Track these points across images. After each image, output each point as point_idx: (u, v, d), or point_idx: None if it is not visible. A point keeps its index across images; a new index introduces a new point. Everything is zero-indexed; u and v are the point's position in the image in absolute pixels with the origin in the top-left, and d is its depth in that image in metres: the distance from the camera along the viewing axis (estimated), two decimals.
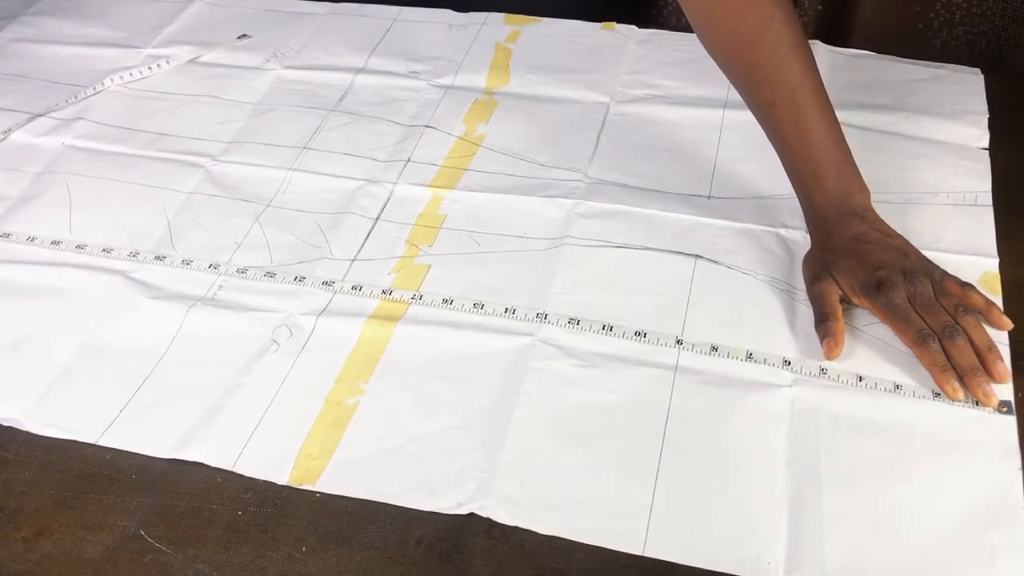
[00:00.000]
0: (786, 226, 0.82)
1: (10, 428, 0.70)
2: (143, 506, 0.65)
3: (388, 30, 1.09)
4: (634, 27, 1.06)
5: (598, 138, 0.92)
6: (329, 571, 0.61)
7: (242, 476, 0.66)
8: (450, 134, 0.94)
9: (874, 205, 0.77)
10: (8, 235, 0.85)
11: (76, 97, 1.01)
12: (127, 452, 0.68)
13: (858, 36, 1.12)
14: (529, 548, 0.61)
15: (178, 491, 0.66)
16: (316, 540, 0.62)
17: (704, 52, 1.00)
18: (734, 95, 0.94)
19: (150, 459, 0.67)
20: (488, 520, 0.63)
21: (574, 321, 0.74)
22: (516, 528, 0.62)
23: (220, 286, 0.79)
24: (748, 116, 0.92)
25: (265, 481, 0.66)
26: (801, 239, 0.81)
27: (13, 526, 0.64)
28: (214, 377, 0.72)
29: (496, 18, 1.09)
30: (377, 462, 0.67)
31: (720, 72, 0.97)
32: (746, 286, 0.77)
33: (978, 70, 0.97)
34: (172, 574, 0.61)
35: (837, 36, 1.09)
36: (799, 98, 0.76)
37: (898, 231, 0.76)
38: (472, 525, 0.63)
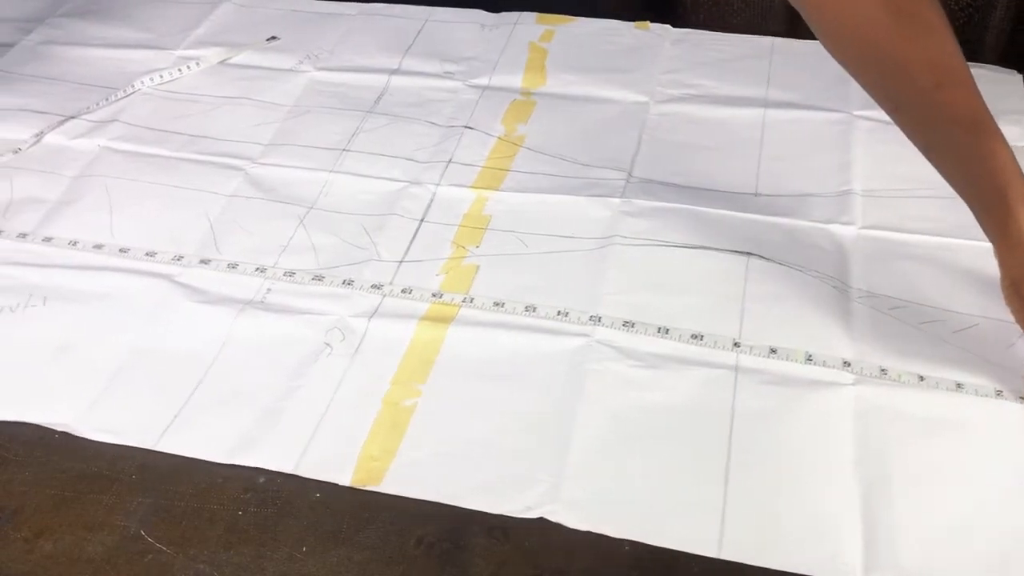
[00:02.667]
0: (835, 222, 0.82)
1: (10, 428, 0.69)
2: (143, 506, 0.64)
3: (420, 31, 1.08)
4: (668, 26, 1.06)
5: (640, 138, 0.91)
6: (329, 571, 0.61)
7: (242, 476, 0.66)
8: (490, 135, 0.93)
9: (926, 200, 0.76)
10: (49, 239, 0.84)
11: (108, 99, 1.00)
12: (127, 452, 0.68)
13: None
14: (529, 548, 0.61)
15: (178, 491, 0.65)
16: (316, 540, 0.62)
17: (740, 51, 1.00)
18: (773, 94, 0.94)
19: (150, 459, 0.67)
20: (488, 520, 0.63)
21: (629, 324, 0.73)
22: (516, 528, 0.62)
23: (268, 289, 0.79)
24: (790, 115, 0.92)
25: (265, 481, 0.66)
26: (852, 234, 0.80)
27: (13, 526, 0.64)
28: (268, 380, 0.72)
29: (528, 18, 1.09)
30: (439, 463, 0.66)
31: (756, 71, 0.97)
32: (800, 284, 0.77)
33: (1015, 71, 0.96)
34: (172, 574, 0.61)
35: None
36: (966, 79, 0.65)
37: (949, 225, 0.75)
38: (472, 525, 0.62)
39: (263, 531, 0.63)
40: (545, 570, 0.60)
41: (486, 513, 0.63)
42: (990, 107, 0.84)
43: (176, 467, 0.66)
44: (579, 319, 0.74)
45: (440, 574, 0.60)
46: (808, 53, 1.01)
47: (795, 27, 1.04)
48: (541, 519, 0.62)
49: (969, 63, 0.87)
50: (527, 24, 1.08)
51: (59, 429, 0.70)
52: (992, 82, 0.96)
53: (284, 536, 0.62)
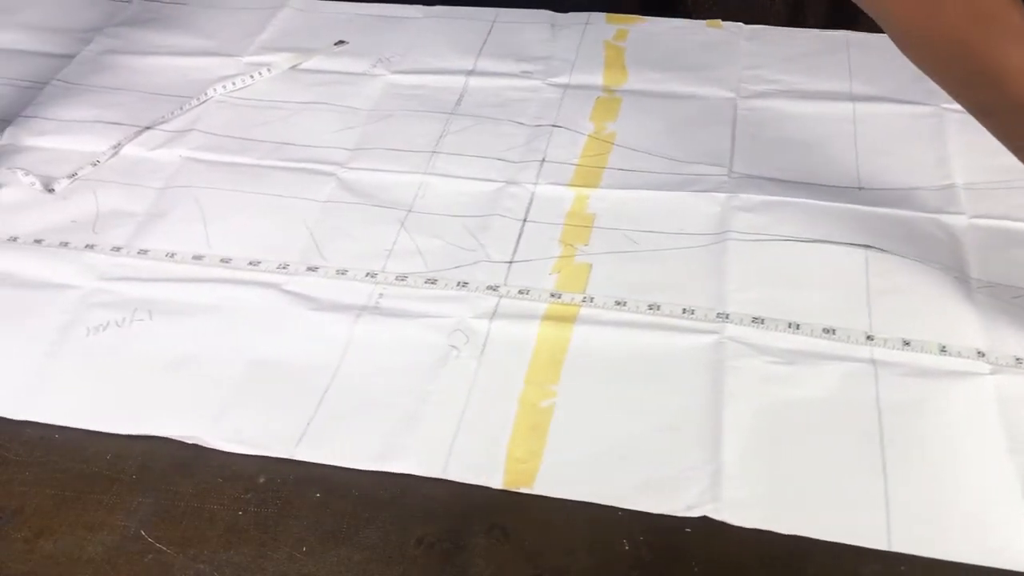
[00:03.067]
0: (945, 212, 0.81)
1: (10, 427, 0.69)
2: (144, 506, 0.64)
3: (489, 32, 1.07)
4: (741, 24, 1.06)
5: (733, 133, 0.91)
6: (329, 571, 0.60)
7: (242, 476, 0.66)
8: (579, 132, 0.92)
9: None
10: (145, 252, 0.82)
11: (183, 108, 0.99)
12: (127, 452, 0.67)
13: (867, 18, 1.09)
14: (529, 548, 0.61)
15: (178, 491, 0.65)
16: (316, 540, 0.62)
17: (815, 47, 0.99)
18: (857, 88, 0.94)
19: (150, 459, 0.66)
20: (488, 520, 0.62)
21: (758, 320, 0.73)
22: (516, 528, 0.62)
23: (381, 294, 0.77)
24: (879, 109, 0.92)
25: (265, 481, 0.65)
26: (964, 224, 0.80)
27: (13, 526, 0.63)
28: (398, 385, 0.70)
29: (598, 17, 1.08)
30: (589, 464, 0.65)
31: (836, 65, 0.96)
32: (921, 275, 0.76)
33: None
34: (173, 574, 0.60)
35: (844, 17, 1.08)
36: None
37: None
38: (472, 525, 0.62)
39: (263, 531, 0.63)
40: (545, 570, 0.60)
41: (486, 513, 0.63)
42: None
43: (176, 467, 0.66)
44: (706, 316, 0.73)
45: (440, 574, 0.60)
46: (883, 47, 1.00)
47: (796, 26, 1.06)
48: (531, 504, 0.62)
49: None
50: (598, 23, 1.07)
51: (189, 442, 0.68)
52: None
53: (284, 536, 0.62)
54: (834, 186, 0.85)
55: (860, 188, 0.85)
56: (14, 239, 0.85)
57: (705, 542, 0.61)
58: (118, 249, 0.83)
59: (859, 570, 0.59)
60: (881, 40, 1.02)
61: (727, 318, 0.73)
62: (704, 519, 0.62)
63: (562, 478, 0.65)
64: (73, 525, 0.63)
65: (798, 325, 0.73)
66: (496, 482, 0.64)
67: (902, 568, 0.59)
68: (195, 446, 0.68)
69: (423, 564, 0.61)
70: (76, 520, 0.63)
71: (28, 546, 0.62)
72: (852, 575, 0.59)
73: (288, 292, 0.78)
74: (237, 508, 0.64)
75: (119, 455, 0.67)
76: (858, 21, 1.07)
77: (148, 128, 0.97)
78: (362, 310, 0.76)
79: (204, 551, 0.61)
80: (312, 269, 0.80)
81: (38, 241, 0.84)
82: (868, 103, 0.94)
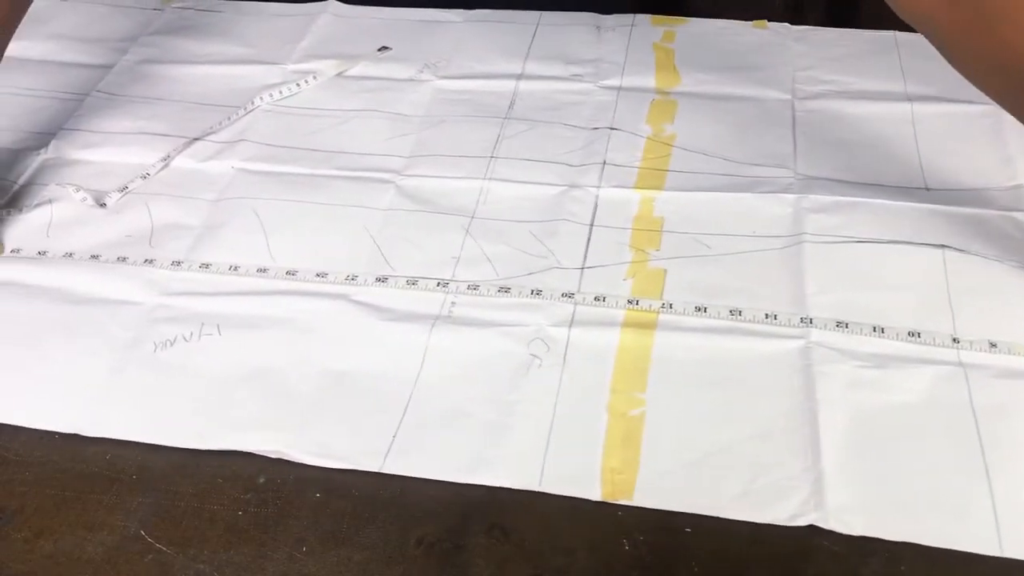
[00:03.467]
0: (1018, 210, 0.81)
1: (10, 428, 0.68)
2: (144, 506, 0.64)
3: (534, 35, 1.06)
4: (787, 24, 1.05)
5: (794, 135, 0.90)
6: (329, 571, 0.60)
7: (242, 476, 0.65)
8: (638, 135, 0.92)
9: None
10: (207, 266, 0.81)
11: (230, 119, 0.97)
12: (127, 452, 0.67)
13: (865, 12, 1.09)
14: (529, 548, 0.61)
15: (178, 491, 0.65)
16: (316, 540, 0.62)
17: (865, 47, 0.98)
18: (912, 88, 0.94)
19: (151, 459, 0.66)
20: (488, 520, 0.62)
21: (842, 324, 0.72)
22: (516, 528, 0.61)
23: (453, 303, 0.76)
24: (937, 109, 0.92)
25: (265, 481, 0.65)
26: None
27: (13, 526, 0.63)
28: (481, 395, 0.69)
29: (643, 19, 1.08)
30: (686, 474, 0.64)
31: (888, 65, 0.95)
32: (1001, 273, 0.76)
33: None
34: (173, 574, 0.60)
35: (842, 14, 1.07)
36: None
37: None
38: (472, 525, 0.62)
39: (263, 531, 0.62)
40: (545, 570, 0.60)
41: (486, 513, 0.63)
42: None
43: (176, 467, 0.66)
44: (789, 320, 0.73)
45: (440, 574, 0.60)
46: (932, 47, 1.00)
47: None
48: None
49: None
50: (644, 25, 1.07)
51: (272, 456, 0.67)
52: None
53: (284, 536, 0.62)
54: (901, 187, 0.84)
55: (927, 189, 0.84)
56: (70, 255, 0.83)
57: (705, 542, 0.61)
58: (178, 263, 0.82)
59: (859, 570, 0.59)
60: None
61: (811, 323, 0.72)
62: (703, 520, 0.62)
63: (660, 489, 0.64)
64: (73, 525, 0.63)
65: (882, 328, 0.72)
66: (594, 494, 0.63)
67: (902, 568, 0.59)
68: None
69: (423, 564, 0.60)
70: (76, 520, 0.63)
71: (28, 546, 0.62)
72: (852, 575, 0.59)
73: (358, 303, 0.77)
74: (237, 508, 0.64)
75: (119, 455, 0.66)
76: (857, 18, 1.07)
77: (197, 139, 0.95)
78: (436, 319, 0.75)
79: (204, 551, 0.61)
80: (381, 280, 0.79)
81: (95, 257, 0.83)
82: (924, 103, 0.93)
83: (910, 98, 0.94)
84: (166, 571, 0.60)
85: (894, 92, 0.95)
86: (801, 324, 0.72)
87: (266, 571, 0.60)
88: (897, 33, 1.03)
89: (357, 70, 1.04)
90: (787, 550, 0.61)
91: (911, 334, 0.71)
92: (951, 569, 0.59)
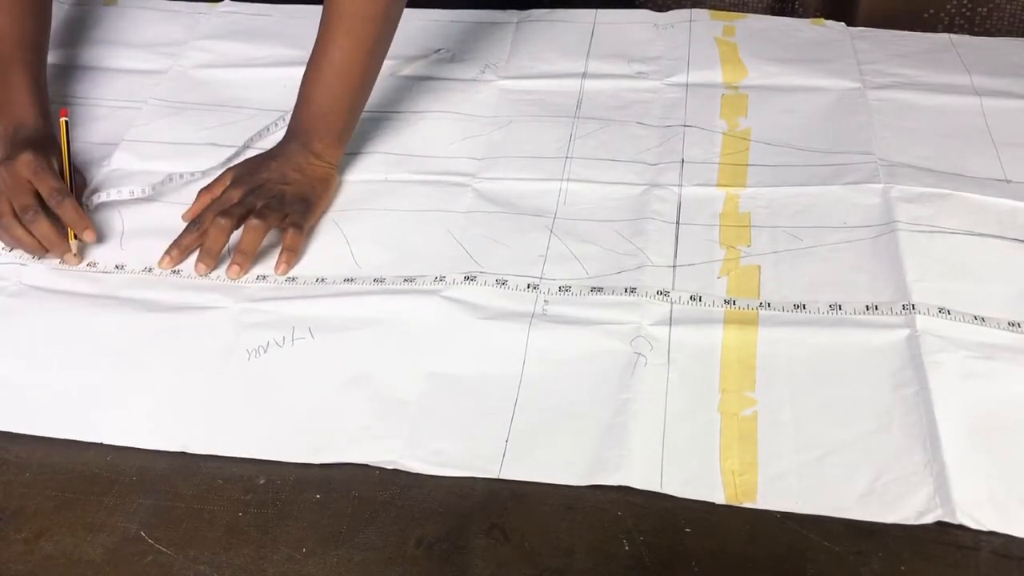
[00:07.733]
0: None
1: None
2: (144, 507, 0.63)
3: (592, 33, 1.06)
4: (842, 24, 1.05)
5: (871, 122, 0.90)
6: (329, 572, 0.60)
7: (242, 477, 0.65)
8: (713, 131, 0.91)
9: None
10: (294, 279, 0.79)
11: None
12: (128, 453, 0.67)
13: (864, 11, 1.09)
14: (529, 548, 0.60)
15: (178, 492, 0.64)
16: (316, 541, 0.61)
17: (922, 46, 0.99)
18: (979, 82, 0.94)
19: (150, 460, 0.66)
20: (488, 520, 0.62)
21: (944, 311, 0.71)
22: (516, 528, 0.61)
23: (546, 301, 0.75)
24: (1008, 104, 0.93)
25: (265, 482, 0.64)
26: None
27: (14, 527, 0.63)
28: (588, 395, 0.69)
29: (701, 14, 1.07)
30: (807, 474, 0.63)
31: (949, 62, 0.97)
32: None
33: None
34: (172, 575, 0.59)
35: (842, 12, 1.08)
36: None
37: None
38: (472, 525, 0.61)
39: (263, 532, 0.62)
40: (545, 570, 0.59)
41: (486, 514, 0.62)
42: None
43: (176, 469, 0.65)
44: (891, 309, 0.72)
45: (440, 574, 0.59)
46: (988, 47, 1.01)
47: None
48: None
49: None
50: (703, 20, 1.06)
51: (388, 467, 0.66)
52: None
53: (284, 537, 0.62)
54: (983, 178, 0.84)
55: (1008, 181, 0.84)
56: (148, 270, 0.81)
57: (705, 542, 0.60)
58: (264, 277, 0.80)
59: (859, 570, 0.58)
60: (983, 41, 1.03)
61: (913, 308, 0.72)
62: (703, 520, 0.62)
63: (783, 490, 0.63)
64: (73, 526, 0.63)
65: (983, 318, 0.71)
66: (718, 497, 0.63)
67: (902, 568, 0.58)
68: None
69: (423, 564, 0.60)
70: (76, 521, 0.63)
71: (28, 547, 0.62)
72: (852, 574, 0.58)
73: (450, 299, 0.76)
74: (237, 509, 0.63)
75: (119, 456, 0.66)
76: (854, 13, 1.07)
77: (248, 146, 0.94)
78: (532, 317, 0.74)
79: (204, 552, 0.61)
80: (470, 278, 0.78)
81: (175, 272, 0.81)
82: (993, 98, 0.94)
83: (978, 92, 0.94)
84: (166, 572, 0.60)
85: (961, 86, 0.96)
86: (904, 311, 0.72)
87: (266, 572, 0.60)
88: (951, 35, 1.04)
89: (415, 71, 1.03)
90: (787, 550, 0.60)
91: (1011, 324, 0.71)
92: (951, 568, 0.58)
